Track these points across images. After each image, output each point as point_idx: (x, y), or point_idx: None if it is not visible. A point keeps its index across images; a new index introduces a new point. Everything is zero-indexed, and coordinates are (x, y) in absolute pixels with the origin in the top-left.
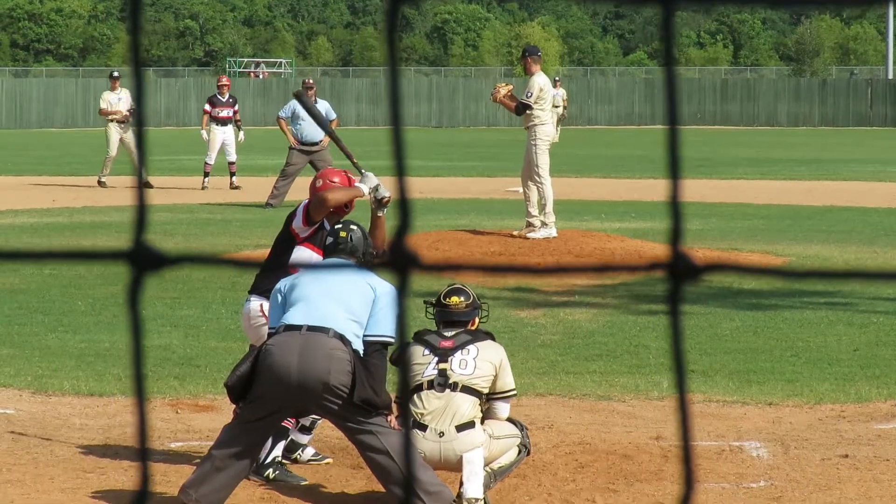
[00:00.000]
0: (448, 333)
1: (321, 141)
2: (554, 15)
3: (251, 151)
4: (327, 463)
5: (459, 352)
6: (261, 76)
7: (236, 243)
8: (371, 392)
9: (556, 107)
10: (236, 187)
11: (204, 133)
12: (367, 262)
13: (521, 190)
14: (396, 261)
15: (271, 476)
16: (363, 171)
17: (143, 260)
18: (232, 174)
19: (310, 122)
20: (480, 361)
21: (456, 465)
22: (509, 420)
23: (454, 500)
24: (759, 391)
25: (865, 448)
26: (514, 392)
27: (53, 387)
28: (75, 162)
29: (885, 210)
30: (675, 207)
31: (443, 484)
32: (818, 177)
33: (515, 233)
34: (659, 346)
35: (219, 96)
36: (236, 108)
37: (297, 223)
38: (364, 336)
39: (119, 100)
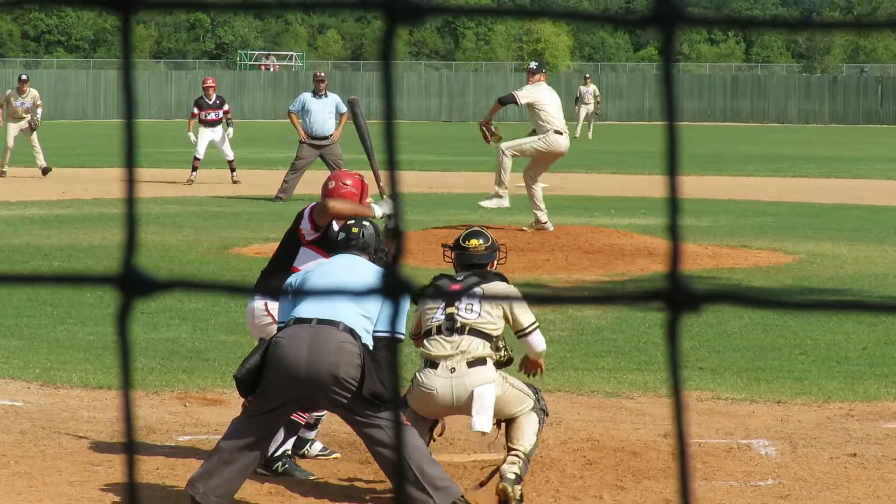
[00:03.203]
0: (459, 277)
1: (331, 135)
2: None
3: (260, 144)
4: (335, 458)
5: (466, 296)
6: (271, 69)
7: (245, 237)
8: (380, 385)
9: (588, 103)
10: (236, 181)
11: (191, 135)
12: (379, 258)
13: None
14: (391, 287)
15: (280, 470)
16: (384, 195)
17: (132, 285)
18: (232, 170)
19: (319, 115)
20: (486, 304)
21: (468, 403)
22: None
23: (462, 498)
24: (768, 389)
25: (874, 447)
26: (535, 324)
27: (62, 379)
28: (85, 154)
29: (894, 208)
30: (673, 235)
31: (451, 479)
32: (828, 174)
33: (526, 228)
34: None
35: (205, 98)
36: (225, 107)
37: (305, 225)
38: (374, 332)
39: (21, 104)
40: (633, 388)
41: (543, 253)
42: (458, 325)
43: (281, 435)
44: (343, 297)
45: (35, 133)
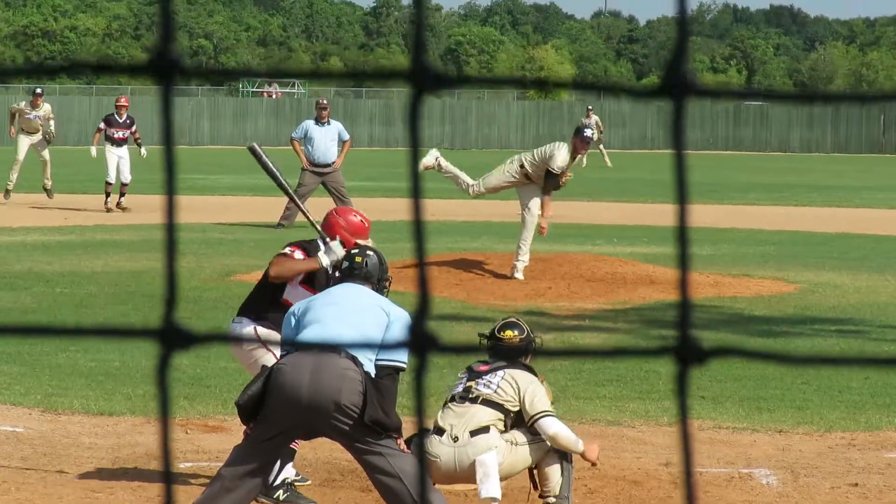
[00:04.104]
0: (489, 362)
1: (333, 162)
2: (567, 38)
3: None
4: (308, 484)
5: (490, 374)
6: (274, 96)
7: (247, 263)
8: (382, 413)
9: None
10: (124, 208)
11: (93, 150)
12: (383, 287)
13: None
14: (416, 342)
15: (281, 498)
16: (327, 240)
17: (172, 338)
18: (122, 195)
19: (322, 142)
20: (503, 382)
21: (470, 471)
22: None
23: None
24: (769, 418)
25: (875, 477)
26: (545, 413)
27: (63, 405)
28: (88, 180)
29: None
30: (683, 289)
31: None
32: (830, 203)
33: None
34: (669, 371)
35: (116, 116)
36: (134, 128)
37: None
38: (376, 360)
39: (34, 116)
40: (634, 416)
41: (545, 281)
42: (473, 395)
43: (278, 463)
44: (345, 325)
45: (47, 149)
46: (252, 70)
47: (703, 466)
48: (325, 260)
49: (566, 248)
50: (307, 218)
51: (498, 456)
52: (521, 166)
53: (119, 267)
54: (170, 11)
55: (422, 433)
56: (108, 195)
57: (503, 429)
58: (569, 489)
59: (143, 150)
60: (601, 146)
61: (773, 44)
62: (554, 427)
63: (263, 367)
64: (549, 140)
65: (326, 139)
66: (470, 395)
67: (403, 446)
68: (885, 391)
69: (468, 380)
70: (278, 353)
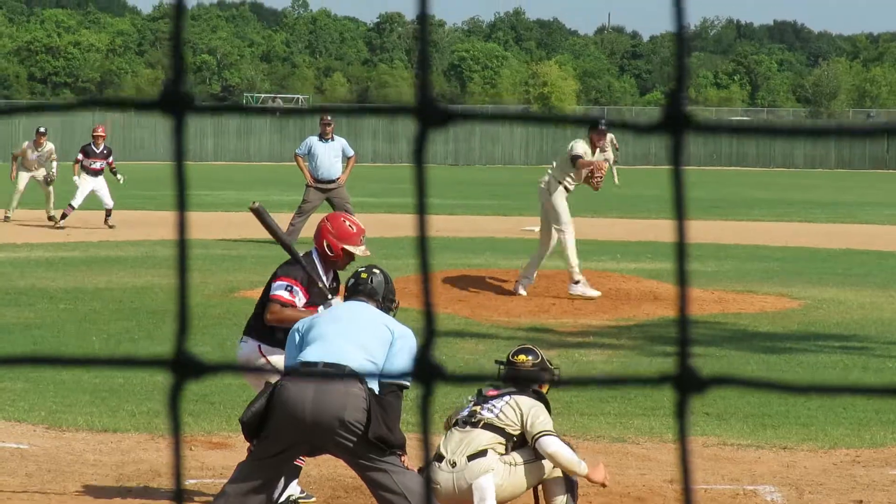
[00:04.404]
0: (500, 386)
1: (338, 178)
2: (571, 54)
3: (267, 187)
4: (313, 501)
5: (496, 399)
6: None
7: (251, 280)
8: (386, 430)
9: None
10: (111, 226)
11: (77, 179)
12: (387, 306)
13: (536, 229)
14: (422, 372)
15: None
16: (330, 297)
17: (184, 368)
18: (108, 215)
19: (326, 158)
20: (506, 406)
21: (469, 495)
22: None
23: None
24: (774, 435)
25: (880, 494)
26: (544, 432)
27: (67, 422)
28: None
29: None
30: (683, 322)
31: None
32: (834, 219)
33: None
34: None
35: (93, 147)
36: (110, 159)
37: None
38: (381, 377)
39: (37, 157)
40: (638, 433)
41: (549, 297)
42: (475, 420)
43: (282, 480)
44: (350, 342)
45: (51, 186)
46: (265, 108)
47: (707, 483)
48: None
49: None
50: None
51: (496, 478)
52: (554, 179)
53: (122, 283)
54: (181, 49)
55: (428, 456)
56: (64, 216)
57: (503, 451)
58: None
59: (119, 178)
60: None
61: (777, 59)
62: (553, 446)
63: (267, 383)
64: (552, 155)
65: (330, 155)
66: (472, 420)
67: (408, 464)
68: (890, 408)
69: (475, 404)
70: (282, 362)
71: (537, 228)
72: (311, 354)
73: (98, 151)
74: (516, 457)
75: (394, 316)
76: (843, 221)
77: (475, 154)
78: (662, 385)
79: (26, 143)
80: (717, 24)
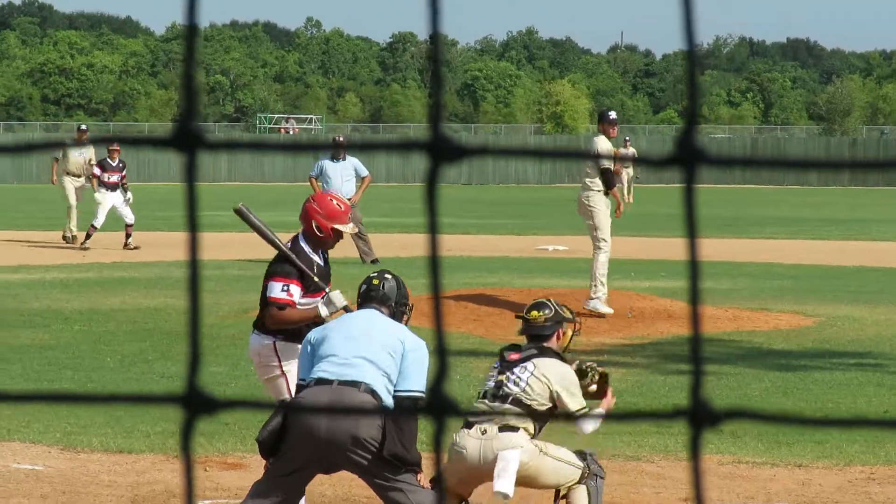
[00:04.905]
0: (523, 347)
1: (351, 199)
2: (584, 73)
3: (280, 208)
4: None
5: (519, 366)
6: (291, 132)
7: None
8: (401, 447)
9: (628, 167)
10: (135, 247)
11: (97, 195)
12: (401, 311)
13: (551, 248)
14: (435, 408)
15: None
16: (327, 289)
17: (196, 404)
18: (128, 236)
19: (338, 179)
20: (534, 380)
21: (493, 466)
22: (575, 452)
23: None
24: (789, 452)
25: None
26: (584, 409)
27: (82, 443)
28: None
29: None
30: (696, 353)
31: None
32: (848, 237)
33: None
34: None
35: (108, 160)
36: (124, 172)
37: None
38: (395, 392)
39: (80, 154)
40: (653, 451)
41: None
42: (503, 393)
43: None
44: (363, 357)
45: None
46: (278, 143)
47: (722, 501)
48: (324, 311)
49: (584, 282)
50: (306, 269)
51: (523, 456)
52: (594, 191)
53: (137, 304)
54: (194, 85)
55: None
56: (87, 237)
57: (532, 433)
58: None
59: (128, 195)
60: (632, 178)
61: (790, 76)
62: (589, 427)
63: (282, 400)
64: (566, 173)
65: (342, 175)
66: (500, 393)
67: (424, 481)
68: None
69: (499, 372)
70: (295, 370)
71: (552, 248)
72: (325, 371)
73: (114, 165)
74: (549, 447)
75: (409, 317)
76: (856, 238)
77: (488, 173)
78: (676, 419)
79: (68, 140)
80: (729, 42)
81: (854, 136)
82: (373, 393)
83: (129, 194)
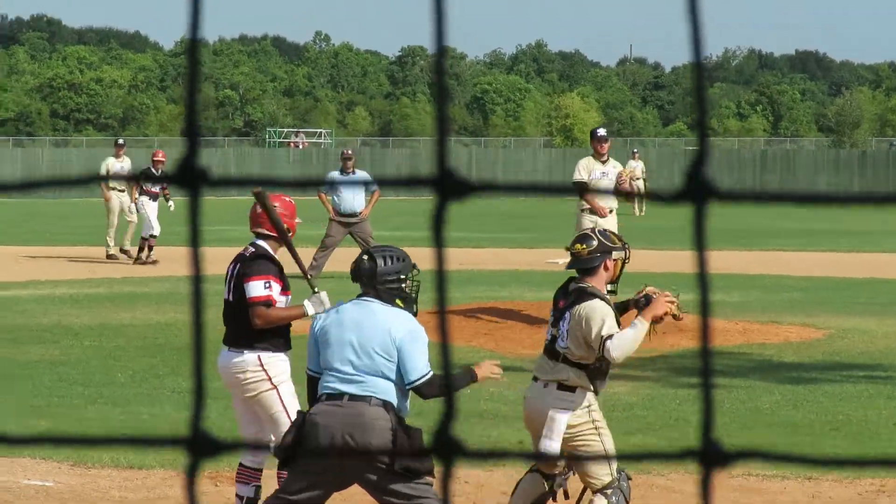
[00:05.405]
0: (570, 289)
1: (360, 212)
2: (593, 86)
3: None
4: None
5: (563, 319)
6: (300, 146)
7: None
8: (411, 458)
9: (637, 179)
10: (154, 262)
11: (135, 206)
12: (389, 291)
13: (560, 262)
14: (441, 449)
15: None
16: (316, 289)
17: (200, 447)
18: (150, 249)
19: (348, 193)
20: (572, 335)
21: (542, 421)
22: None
23: None
24: (799, 465)
25: None
26: (605, 340)
27: (93, 459)
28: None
29: None
30: (707, 393)
31: None
32: (858, 248)
33: None
34: (700, 419)
35: (153, 170)
36: (165, 184)
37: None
38: (407, 387)
39: (122, 168)
40: (663, 465)
41: None
42: (555, 350)
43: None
44: (366, 367)
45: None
46: (277, 180)
47: None
48: (310, 309)
49: None
50: (301, 268)
51: (572, 419)
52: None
53: (147, 319)
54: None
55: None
56: (150, 248)
57: (593, 390)
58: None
59: (171, 205)
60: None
61: (799, 88)
62: (616, 351)
63: (299, 412)
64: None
65: (353, 190)
66: (553, 349)
67: (436, 485)
68: None
69: (552, 323)
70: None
71: (561, 261)
72: (334, 384)
73: (159, 175)
74: (603, 427)
75: (412, 291)
76: (866, 251)
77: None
78: (686, 459)
79: (110, 159)
80: (738, 55)
81: (863, 149)
82: (384, 404)
83: (172, 203)
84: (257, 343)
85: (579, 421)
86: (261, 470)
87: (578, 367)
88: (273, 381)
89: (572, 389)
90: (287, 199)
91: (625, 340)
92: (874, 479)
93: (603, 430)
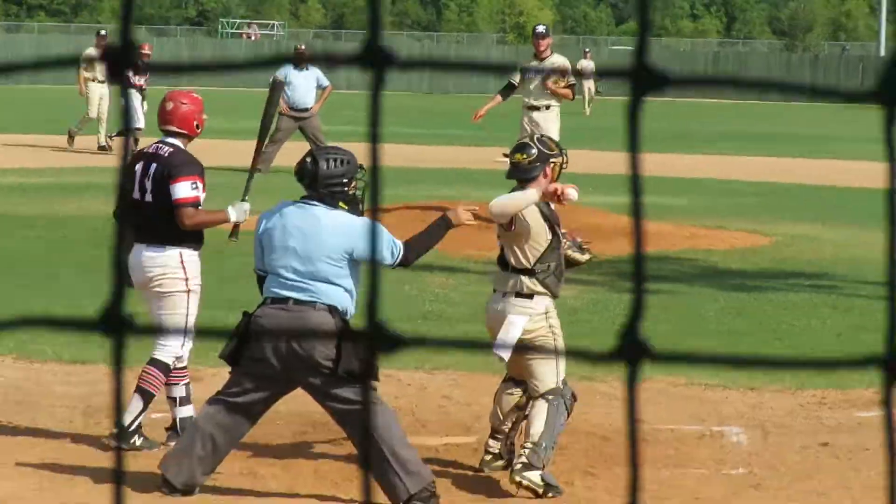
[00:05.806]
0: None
1: (311, 107)
2: None
3: (239, 114)
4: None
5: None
6: (253, 37)
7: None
8: (356, 363)
9: (589, 79)
10: (109, 148)
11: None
12: (332, 193)
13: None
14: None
15: (137, 443)
16: (245, 198)
17: (116, 328)
18: (136, 141)
19: (301, 88)
20: (514, 244)
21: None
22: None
23: (432, 484)
24: (741, 375)
25: (845, 436)
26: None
27: (36, 354)
28: (64, 120)
29: (874, 190)
30: (638, 296)
31: (423, 464)
32: (808, 154)
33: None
34: (645, 326)
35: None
36: (147, 76)
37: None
38: (389, 266)
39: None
40: (606, 372)
41: None
42: (505, 260)
43: (140, 404)
44: (313, 270)
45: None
46: (230, 63)
47: (674, 423)
48: (233, 216)
49: None
50: (253, 164)
51: (528, 323)
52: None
53: (95, 210)
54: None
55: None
56: (136, 142)
57: (545, 292)
58: (551, 440)
59: (145, 105)
60: (593, 92)
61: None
62: (496, 207)
63: (245, 313)
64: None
65: (305, 84)
66: (503, 260)
67: (377, 398)
68: (858, 348)
69: (498, 235)
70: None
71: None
72: (279, 287)
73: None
74: (558, 331)
75: (361, 188)
76: (817, 156)
77: (449, 82)
78: (615, 361)
79: (90, 49)
80: None
81: (816, 52)
82: (329, 309)
83: (146, 104)
84: (179, 241)
85: (536, 326)
86: (185, 367)
87: (528, 274)
88: (188, 283)
89: (530, 296)
90: (192, 93)
91: (506, 199)
92: (815, 391)
93: (559, 335)
